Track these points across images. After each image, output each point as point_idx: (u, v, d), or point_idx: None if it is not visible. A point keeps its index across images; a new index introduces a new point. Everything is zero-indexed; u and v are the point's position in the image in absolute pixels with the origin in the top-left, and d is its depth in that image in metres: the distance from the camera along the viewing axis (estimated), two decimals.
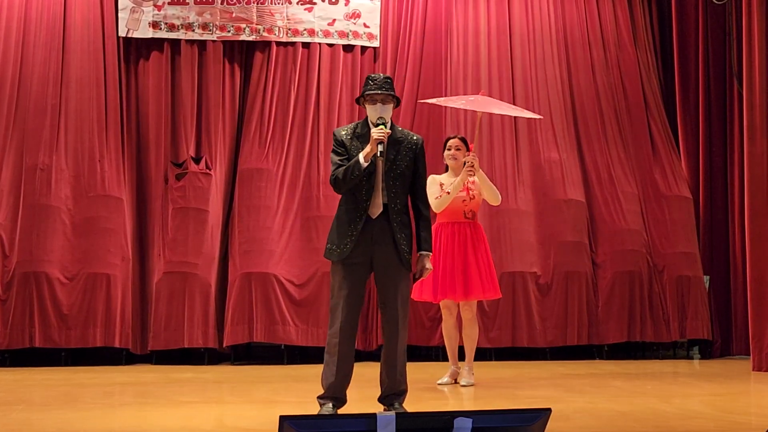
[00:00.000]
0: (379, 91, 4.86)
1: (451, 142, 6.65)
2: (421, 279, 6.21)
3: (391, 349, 4.81)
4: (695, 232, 9.15)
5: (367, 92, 4.90)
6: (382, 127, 4.77)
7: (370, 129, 4.83)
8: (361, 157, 4.74)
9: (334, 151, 4.90)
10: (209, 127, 8.71)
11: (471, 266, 6.46)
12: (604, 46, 9.50)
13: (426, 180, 5.09)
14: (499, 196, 6.65)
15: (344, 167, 4.77)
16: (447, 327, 6.67)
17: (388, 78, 4.94)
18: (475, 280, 6.45)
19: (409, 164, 4.88)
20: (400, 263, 4.79)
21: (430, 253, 4.95)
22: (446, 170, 6.68)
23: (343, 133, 4.94)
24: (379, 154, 4.70)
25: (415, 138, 4.97)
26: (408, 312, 4.88)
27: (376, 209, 4.79)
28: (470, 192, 6.56)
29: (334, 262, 4.81)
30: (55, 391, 6.40)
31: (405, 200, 4.88)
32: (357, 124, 4.99)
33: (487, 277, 6.51)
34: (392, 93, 4.90)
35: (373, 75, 4.98)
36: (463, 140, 6.67)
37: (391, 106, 4.91)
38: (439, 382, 6.62)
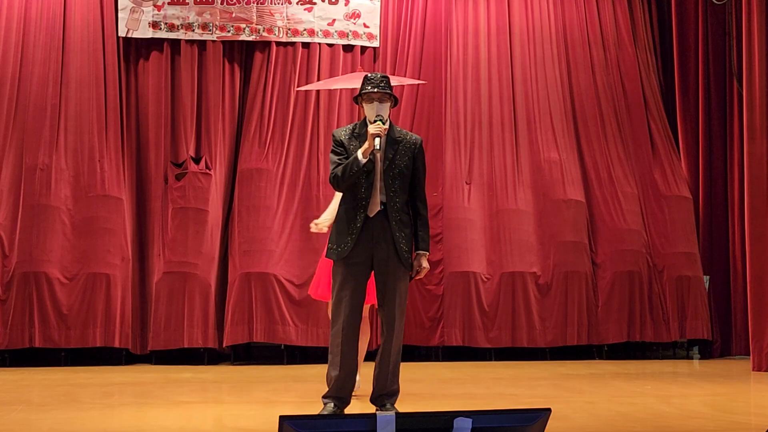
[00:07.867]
0: (376, 90, 4.88)
1: None
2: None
3: (386, 348, 4.80)
4: (695, 232, 9.14)
5: (364, 91, 4.92)
6: (379, 122, 4.78)
7: (368, 127, 4.84)
8: (359, 153, 4.76)
9: (333, 151, 4.93)
10: (209, 127, 8.71)
11: None
12: (604, 46, 9.50)
13: (424, 179, 5.06)
14: None
15: (343, 164, 4.79)
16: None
17: (385, 77, 4.96)
18: None
19: (407, 164, 4.89)
20: (399, 262, 4.79)
21: (427, 253, 4.94)
22: None
23: (342, 133, 4.96)
24: (377, 148, 4.71)
25: (414, 138, 4.99)
26: (405, 312, 4.87)
27: (375, 207, 4.80)
28: None
29: (336, 262, 4.82)
30: (55, 391, 6.40)
31: (404, 199, 4.89)
32: (356, 125, 5.01)
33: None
34: (389, 91, 4.92)
35: (370, 74, 5.01)
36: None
37: (388, 104, 4.92)
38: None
